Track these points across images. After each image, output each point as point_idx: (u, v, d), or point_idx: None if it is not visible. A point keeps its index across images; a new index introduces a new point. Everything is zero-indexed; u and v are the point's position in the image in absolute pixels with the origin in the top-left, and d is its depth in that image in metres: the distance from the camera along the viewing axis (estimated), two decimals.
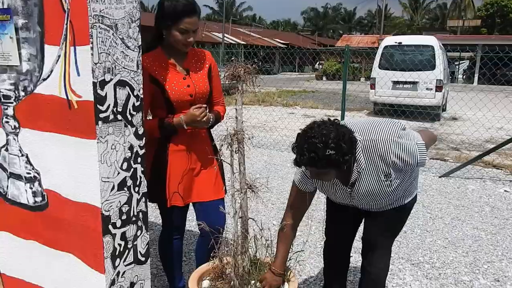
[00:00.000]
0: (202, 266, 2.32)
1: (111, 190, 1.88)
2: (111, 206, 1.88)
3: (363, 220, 2.44)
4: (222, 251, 2.26)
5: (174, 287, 2.68)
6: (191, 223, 3.60)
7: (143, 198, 2.05)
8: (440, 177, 5.92)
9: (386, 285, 2.69)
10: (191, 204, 2.48)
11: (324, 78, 26.21)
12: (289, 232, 2.23)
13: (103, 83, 1.77)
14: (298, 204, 2.24)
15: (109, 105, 1.81)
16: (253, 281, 2.20)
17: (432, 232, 4.01)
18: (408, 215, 2.34)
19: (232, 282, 2.16)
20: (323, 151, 1.83)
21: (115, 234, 1.92)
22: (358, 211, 2.33)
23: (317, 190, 2.26)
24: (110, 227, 1.89)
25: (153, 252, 3.44)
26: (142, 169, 2.02)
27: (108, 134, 1.82)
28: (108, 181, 1.85)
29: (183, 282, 2.69)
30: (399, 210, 2.26)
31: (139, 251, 2.07)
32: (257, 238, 2.32)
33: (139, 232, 2.06)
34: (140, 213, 2.05)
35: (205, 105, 2.35)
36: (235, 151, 2.12)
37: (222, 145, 2.13)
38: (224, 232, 2.39)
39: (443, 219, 4.34)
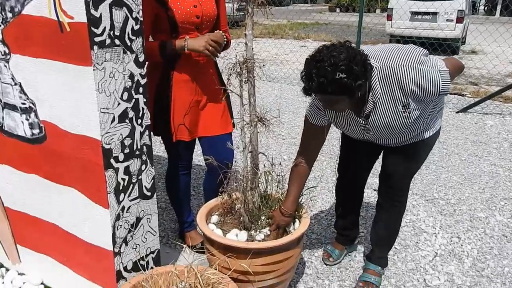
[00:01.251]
0: (211, 202, 2.24)
1: (112, 122, 1.75)
2: (112, 139, 1.76)
3: (379, 156, 2.31)
4: (231, 186, 2.16)
5: (183, 222, 2.63)
6: (199, 157, 3.51)
7: (147, 131, 1.93)
8: (457, 112, 5.71)
9: None
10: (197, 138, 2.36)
11: (337, 10, 25.16)
12: (302, 171, 2.10)
13: (97, 3, 1.58)
14: (311, 140, 2.09)
15: (105, 27, 1.63)
16: (263, 217, 2.12)
17: (447, 168, 3.90)
18: (429, 150, 2.19)
19: (241, 218, 2.09)
20: (333, 75, 1.64)
21: (117, 168, 1.82)
22: (374, 146, 2.19)
23: (331, 124, 2.12)
24: (112, 161, 1.79)
25: (161, 186, 3.39)
26: (145, 100, 1.88)
27: (105, 61, 1.66)
28: (107, 112, 1.72)
29: (192, 217, 2.64)
30: (418, 145, 2.11)
31: (144, 186, 1.98)
32: (268, 173, 2.22)
33: (143, 166, 1.95)
34: (144, 147, 1.94)
35: (223, 33, 2.17)
36: (245, 81, 1.95)
37: (230, 75, 1.96)
38: (233, 167, 2.28)
39: (460, 155, 4.21)
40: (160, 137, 2.34)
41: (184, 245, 2.67)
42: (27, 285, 2.23)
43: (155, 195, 2.06)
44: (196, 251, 2.55)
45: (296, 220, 2.13)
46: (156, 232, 2.12)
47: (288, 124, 4.98)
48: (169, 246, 2.68)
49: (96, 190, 1.82)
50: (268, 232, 2.05)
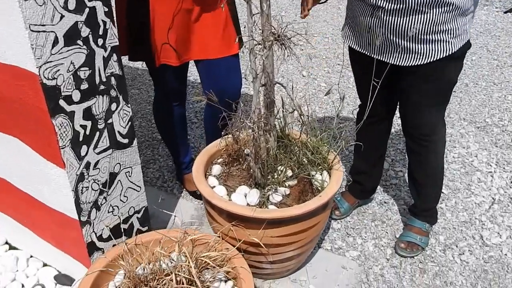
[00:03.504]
0: (211, 146, 1.71)
1: (53, 46, 1.16)
2: (57, 71, 1.19)
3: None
4: (238, 126, 1.61)
5: (179, 163, 2.13)
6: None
7: (114, 55, 1.34)
8: (505, 12, 4.85)
9: (445, 155, 2.08)
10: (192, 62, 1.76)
11: None
12: None
13: None
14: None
15: None
16: (280, 167, 1.60)
17: (500, 85, 3.25)
18: (459, 70, 1.59)
19: (251, 170, 1.56)
20: None
21: (72, 112, 1.27)
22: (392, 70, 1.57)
23: None
24: (62, 103, 1.23)
25: None
26: (106, 9, 1.27)
27: None
28: (43, 31, 1.12)
29: (190, 157, 2.13)
30: (443, 63, 1.51)
31: (118, 132, 1.44)
32: (286, 109, 1.65)
33: (114, 105, 1.39)
34: (113, 79, 1.36)
35: None
36: None
37: None
38: (239, 101, 1.70)
39: None
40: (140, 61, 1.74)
41: (184, 189, 2.19)
42: None
43: (135, 141, 1.53)
44: (198, 197, 2.09)
45: (324, 172, 1.60)
46: (140, 187, 1.63)
47: (319, 36, 4.24)
48: (165, 190, 2.21)
49: (47, 144, 1.29)
50: (288, 191, 1.54)
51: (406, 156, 2.40)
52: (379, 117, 1.81)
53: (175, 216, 1.93)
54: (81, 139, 1.32)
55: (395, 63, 1.53)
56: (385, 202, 2.13)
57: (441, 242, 1.91)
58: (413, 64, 1.51)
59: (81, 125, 1.30)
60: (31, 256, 1.75)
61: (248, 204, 1.48)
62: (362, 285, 1.72)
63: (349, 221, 2.02)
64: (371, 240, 1.92)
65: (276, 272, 1.67)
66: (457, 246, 1.89)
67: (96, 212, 1.46)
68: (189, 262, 1.35)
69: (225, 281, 1.45)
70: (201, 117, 2.81)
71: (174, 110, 1.92)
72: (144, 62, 1.77)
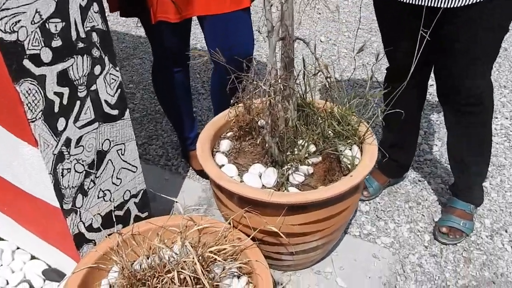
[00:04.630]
0: (219, 117, 1.45)
1: None
2: (16, 22, 0.93)
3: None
4: (250, 93, 1.34)
5: (184, 138, 1.88)
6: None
7: (95, 4, 1.08)
8: None
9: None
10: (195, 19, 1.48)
11: None
12: None
13: None
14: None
15: None
16: (301, 141, 1.33)
17: None
18: (510, 13, 1.29)
19: (267, 146, 1.31)
20: None
21: (42, 76, 1.02)
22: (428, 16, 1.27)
23: None
24: (27, 64, 0.98)
25: None
26: None
27: None
28: None
29: (196, 131, 1.88)
30: (493, 4, 1.22)
31: (105, 101, 1.19)
32: (309, 71, 1.38)
33: (97, 68, 1.14)
34: (94, 34, 1.10)
35: None
36: None
37: None
38: (251, 62, 1.42)
39: None
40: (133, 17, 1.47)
41: (190, 168, 1.95)
42: None
43: (126, 113, 1.28)
44: (206, 176, 1.85)
45: (355, 146, 1.34)
46: (136, 167, 1.38)
47: None
48: (169, 169, 1.97)
49: (14, 118, 1.04)
50: (311, 170, 1.28)
51: (442, 128, 2.12)
52: (414, 80, 1.52)
53: (176, 201, 1.69)
54: (56, 110, 1.07)
55: (437, 5, 1.24)
56: (419, 181, 1.86)
57: (487, 226, 1.65)
58: (459, 5, 1.21)
59: (55, 93, 1.05)
60: (18, 248, 1.54)
61: (263, 186, 1.23)
62: (398, 278, 1.47)
63: (379, 203, 1.76)
64: (406, 225, 1.66)
65: (297, 263, 1.43)
66: (506, 231, 1.63)
67: (83, 198, 1.23)
68: (194, 257, 1.11)
69: (238, 277, 1.22)
70: (209, 87, 2.54)
71: (175, 77, 1.65)
72: (139, 20, 1.50)
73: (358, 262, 1.50)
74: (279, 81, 1.23)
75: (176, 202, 1.26)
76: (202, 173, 1.88)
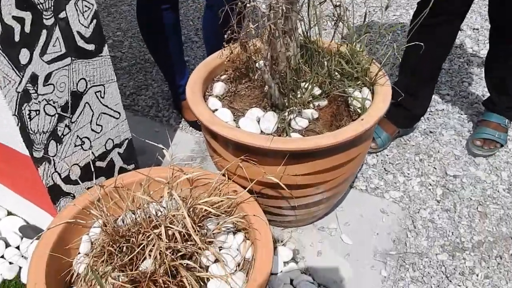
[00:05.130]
0: (212, 57, 1.28)
1: None
2: None
3: None
4: (246, 29, 1.17)
5: (176, 86, 1.72)
6: None
7: None
8: None
9: None
10: None
11: None
12: None
13: None
14: None
15: None
16: (304, 84, 1.18)
17: None
18: None
19: (265, 88, 1.15)
20: None
21: None
22: None
23: None
24: None
25: None
26: None
27: None
28: None
29: (187, 78, 1.71)
30: None
31: (78, 33, 1.03)
32: (314, 5, 1.20)
33: None
34: None
35: None
36: None
37: None
38: None
39: None
40: None
41: (182, 119, 1.80)
42: None
43: (105, 49, 1.12)
44: (199, 128, 1.70)
45: (365, 88, 1.18)
46: (119, 112, 1.23)
47: None
48: (160, 120, 1.82)
49: None
50: (316, 114, 1.13)
51: (454, 77, 1.97)
52: (449, 14, 1.35)
53: (163, 149, 1.56)
54: (17, 38, 0.90)
55: None
56: (430, 132, 1.72)
57: (505, 179, 1.52)
58: None
59: (14, 17, 0.88)
60: None
61: (262, 132, 1.08)
62: (408, 234, 1.35)
63: (387, 155, 1.63)
64: (416, 178, 1.53)
65: (299, 219, 1.30)
66: None
67: (57, 146, 1.08)
68: (183, 211, 0.98)
69: (234, 233, 1.09)
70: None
71: (163, 15, 1.48)
72: None
73: (365, 218, 1.38)
74: (280, 12, 1.05)
75: (163, 149, 1.11)
76: (195, 125, 1.73)
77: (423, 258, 1.28)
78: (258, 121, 1.10)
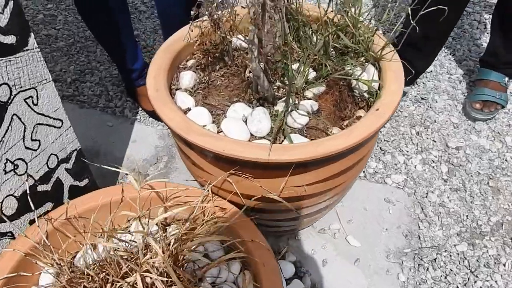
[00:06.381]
0: (175, 38, 1.01)
1: None
2: None
3: None
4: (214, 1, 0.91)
5: (127, 70, 1.43)
6: None
7: None
8: None
9: None
10: None
11: None
12: None
13: None
14: None
15: None
16: (296, 65, 0.94)
17: None
18: None
19: (247, 72, 0.91)
20: None
21: None
22: None
23: None
24: None
25: None
26: None
27: None
28: None
29: (142, 60, 1.43)
30: None
31: None
32: None
33: None
34: None
35: None
36: None
37: None
38: None
39: None
40: None
41: (139, 108, 1.52)
42: None
43: (31, 41, 0.83)
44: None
45: (369, 66, 0.96)
46: (61, 119, 0.96)
47: None
48: (112, 112, 1.53)
49: None
50: (316, 106, 0.89)
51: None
52: None
53: (118, 149, 1.30)
54: None
55: None
56: (422, 99, 1.54)
57: (510, 145, 1.38)
58: None
59: None
60: None
61: (252, 135, 0.85)
62: (420, 224, 1.19)
63: (380, 131, 1.44)
64: (416, 155, 1.36)
65: (297, 228, 1.10)
66: None
67: None
68: (160, 257, 0.74)
69: (227, 262, 0.88)
70: (152, 2, 2.02)
71: None
72: None
73: (370, 212, 1.20)
74: None
75: (139, 126, 0.86)
76: (155, 114, 1.46)
77: (442, 252, 1.12)
78: (245, 121, 0.86)
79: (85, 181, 1.08)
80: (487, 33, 1.78)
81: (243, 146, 0.78)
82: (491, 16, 1.50)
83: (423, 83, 1.60)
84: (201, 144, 0.78)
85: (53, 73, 1.65)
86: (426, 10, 0.89)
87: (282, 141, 0.83)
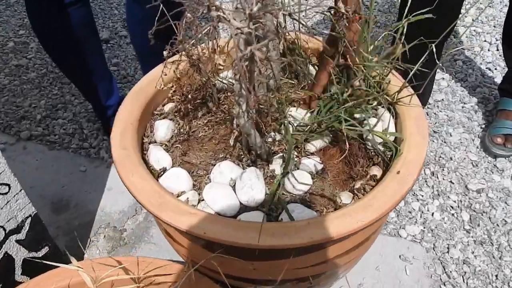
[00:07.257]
0: (147, 80, 0.84)
1: None
2: None
3: None
4: (196, 28, 0.74)
5: (102, 107, 1.26)
6: None
7: None
8: None
9: None
10: None
11: None
12: None
13: None
14: None
15: None
16: (294, 110, 0.77)
17: None
18: None
19: (235, 124, 0.74)
20: None
21: None
22: None
23: None
24: None
25: None
26: None
27: None
28: None
29: (118, 95, 1.26)
30: None
31: None
32: None
33: None
34: None
35: None
36: None
37: None
38: None
39: None
40: None
41: None
42: None
43: None
44: None
45: (385, 112, 0.79)
46: (9, 184, 0.78)
47: None
48: (87, 153, 1.35)
49: None
50: (320, 164, 0.72)
51: (449, 61, 1.62)
52: None
53: (91, 200, 1.13)
54: None
55: None
56: (435, 132, 1.38)
57: None
58: None
59: None
60: None
61: (241, 204, 0.67)
62: (442, 287, 1.01)
63: None
64: (433, 201, 1.19)
65: None
66: None
67: None
68: None
69: None
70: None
71: (71, 15, 1.00)
72: None
73: (383, 272, 1.03)
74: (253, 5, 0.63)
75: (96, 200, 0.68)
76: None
77: None
78: (233, 186, 0.69)
79: (44, 250, 0.90)
80: (500, 55, 1.63)
81: (229, 226, 0.60)
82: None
83: (434, 113, 1.44)
84: (177, 225, 0.60)
85: (21, 109, 1.47)
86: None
87: (280, 213, 0.66)
